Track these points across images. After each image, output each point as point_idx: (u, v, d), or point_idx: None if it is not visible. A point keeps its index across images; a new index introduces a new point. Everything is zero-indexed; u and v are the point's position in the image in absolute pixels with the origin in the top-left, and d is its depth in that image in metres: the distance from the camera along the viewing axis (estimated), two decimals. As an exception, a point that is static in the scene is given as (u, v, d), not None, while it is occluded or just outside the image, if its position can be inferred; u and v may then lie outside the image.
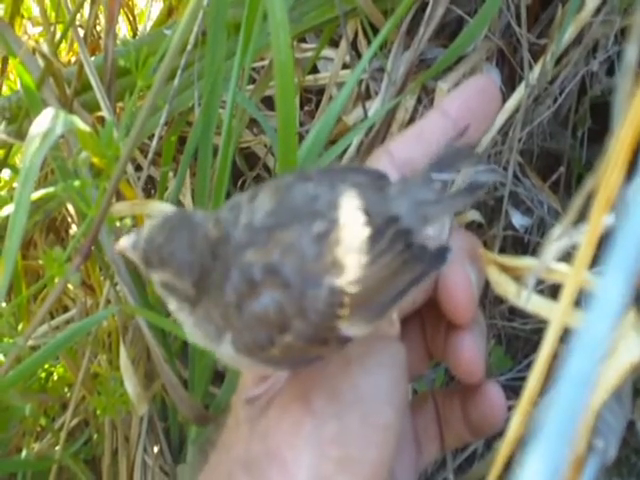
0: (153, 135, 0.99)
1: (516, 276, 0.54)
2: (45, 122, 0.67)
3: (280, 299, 0.48)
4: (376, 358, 0.55)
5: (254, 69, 1.20)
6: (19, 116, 1.03)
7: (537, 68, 0.91)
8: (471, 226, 1.01)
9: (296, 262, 0.48)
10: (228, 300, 0.49)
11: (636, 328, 0.36)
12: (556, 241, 0.39)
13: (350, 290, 0.49)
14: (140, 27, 1.52)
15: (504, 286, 0.54)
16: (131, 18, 1.50)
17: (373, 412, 0.53)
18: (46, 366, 1.25)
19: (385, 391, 0.54)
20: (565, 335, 0.37)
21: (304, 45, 1.20)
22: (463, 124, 0.59)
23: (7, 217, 0.90)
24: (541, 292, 0.50)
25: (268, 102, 1.20)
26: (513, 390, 1.06)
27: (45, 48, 1.01)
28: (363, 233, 0.50)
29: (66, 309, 1.35)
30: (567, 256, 0.41)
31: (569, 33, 0.88)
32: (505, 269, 0.55)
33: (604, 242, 0.37)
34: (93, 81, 0.99)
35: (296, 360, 0.51)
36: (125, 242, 0.51)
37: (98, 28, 1.33)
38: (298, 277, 0.48)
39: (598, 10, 0.87)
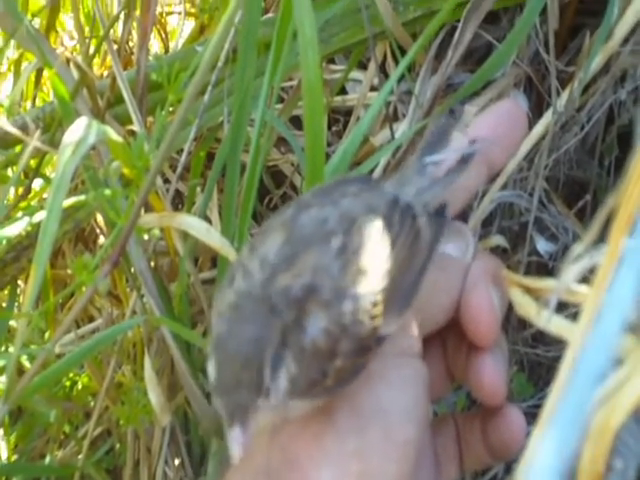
0: (182, 150, 1.01)
1: (539, 298, 0.54)
2: (78, 131, 0.69)
3: (324, 325, 0.48)
4: (398, 374, 0.55)
5: (283, 89, 1.22)
6: (52, 126, 1.04)
7: (564, 95, 0.91)
8: (496, 251, 1.02)
9: (327, 282, 0.49)
10: (286, 322, 0.48)
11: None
12: (576, 261, 0.39)
13: (380, 287, 0.50)
14: (172, 44, 1.54)
15: (527, 307, 0.54)
16: (163, 35, 1.52)
17: (394, 427, 0.53)
18: (71, 375, 1.27)
19: (406, 407, 0.54)
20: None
21: (333, 66, 1.21)
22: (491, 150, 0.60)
23: (37, 225, 0.92)
24: (573, 317, 0.50)
25: (296, 122, 1.21)
26: (534, 417, 1.05)
27: (79, 60, 1.03)
28: (376, 229, 0.51)
29: (92, 319, 1.37)
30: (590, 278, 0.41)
31: (597, 62, 0.88)
32: (528, 291, 0.56)
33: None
34: (125, 94, 1.01)
35: (346, 379, 0.51)
36: (235, 443, 0.48)
37: (130, 44, 1.35)
38: (333, 296, 0.49)
39: (627, 40, 0.88)
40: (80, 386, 1.29)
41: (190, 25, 1.48)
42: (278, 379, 0.48)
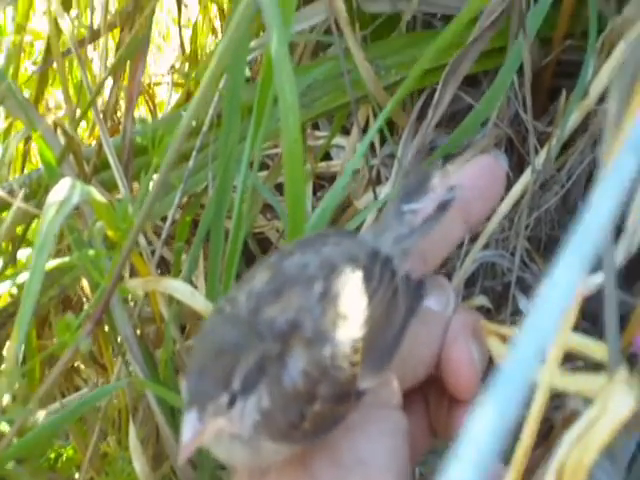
0: (166, 217, 1.01)
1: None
2: (62, 191, 0.70)
3: (304, 366, 0.49)
4: (377, 425, 0.55)
5: (269, 156, 1.23)
6: (38, 193, 1.05)
7: (543, 153, 0.92)
8: (479, 311, 1.02)
9: (309, 323, 0.50)
10: (268, 354, 0.49)
11: (626, 385, 0.37)
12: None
13: (359, 334, 0.51)
14: (160, 114, 1.56)
15: (504, 357, 0.55)
16: (151, 107, 1.54)
17: (373, 478, 0.53)
18: (56, 447, 1.25)
19: (386, 458, 0.54)
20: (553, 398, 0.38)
21: (317, 133, 1.23)
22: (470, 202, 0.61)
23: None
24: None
25: (282, 189, 1.23)
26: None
27: (66, 125, 1.04)
28: (356, 278, 0.52)
29: (78, 389, 1.36)
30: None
31: (574, 120, 0.90)
32: (506, 340, 0.56)
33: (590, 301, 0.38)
34: (111, 159, 1.02)
35: (324, 427, 0.52)
36: (187, 426, 0.49)
37: (119, 114, 1.37)
38: (315, 337, 0.49)
39: (602, 98, 0.89)
40: (65, 458, 1.27)
41: (177, 96, 1.50)
42: (247, 401, 0.48)
